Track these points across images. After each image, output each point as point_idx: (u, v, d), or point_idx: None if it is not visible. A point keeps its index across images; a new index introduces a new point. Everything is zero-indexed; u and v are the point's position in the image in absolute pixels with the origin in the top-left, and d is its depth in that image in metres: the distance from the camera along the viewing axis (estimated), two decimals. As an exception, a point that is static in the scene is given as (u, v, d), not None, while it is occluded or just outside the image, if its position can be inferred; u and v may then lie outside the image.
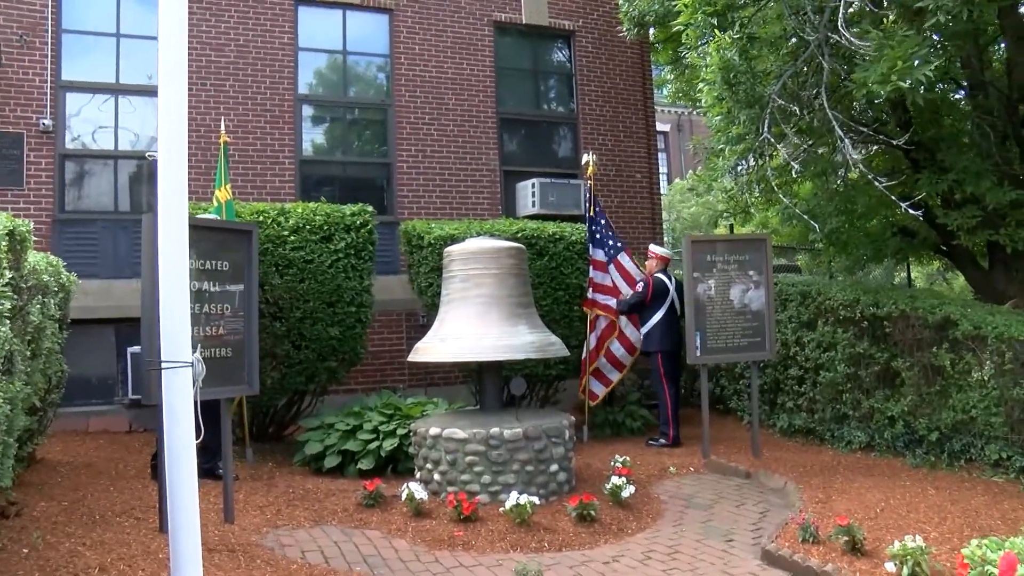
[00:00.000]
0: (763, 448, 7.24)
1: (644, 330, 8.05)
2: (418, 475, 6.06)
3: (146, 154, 9.13)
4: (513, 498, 5.27)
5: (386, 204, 10.35)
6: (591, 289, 8.26)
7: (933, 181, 7.55)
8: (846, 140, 6.26)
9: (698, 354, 7.13)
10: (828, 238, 9.36)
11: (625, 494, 5.71)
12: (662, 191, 14.69)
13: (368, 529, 5.28)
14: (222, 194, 7.04)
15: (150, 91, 9.23)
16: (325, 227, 7.45)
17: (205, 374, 3.35)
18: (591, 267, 8.28)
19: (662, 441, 7.81)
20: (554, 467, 5.91)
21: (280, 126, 9.91)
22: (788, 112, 6.93)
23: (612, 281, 8.27)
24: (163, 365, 3.10)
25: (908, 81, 5.39)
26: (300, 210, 7.49)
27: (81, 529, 4.56)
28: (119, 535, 4.52)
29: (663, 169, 24.48)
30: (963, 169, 7.44)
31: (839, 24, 5.77)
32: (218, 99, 9.61)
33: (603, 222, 8.40)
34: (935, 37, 6.70)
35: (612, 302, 8.21)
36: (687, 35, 7.57)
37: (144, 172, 9.39)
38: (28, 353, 4.49)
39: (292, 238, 7.29)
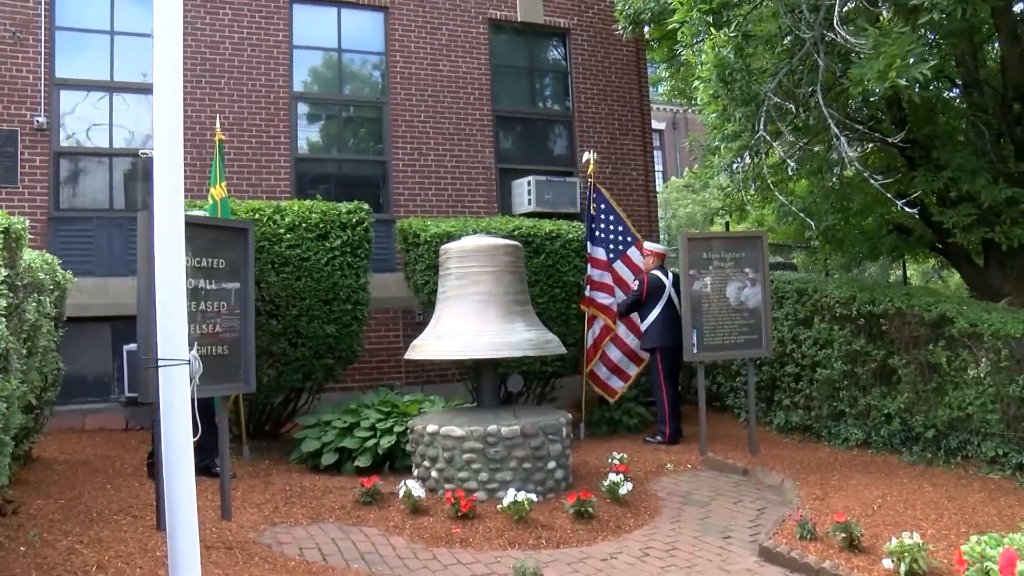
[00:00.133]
0: (760, 445, 7.25)
1: (643, 327, 8.05)
2: (415, 472, 6.06)
3: (139, 152, 9.11)
4: (511, 495, 5.27)
5: (382, 202, 10.33)
6: (589, 287, 8.26)
7: (929, 179, 7.57)
8: (842, 138, 6.26)
9: (695, 351, 7.14)
10: (824, 235, 9.39)
11: (623, 491, 5.71)
12: (658, 189, 14.68)
13: (366, 526, 5.28)
14: (217, 192, 7.01)
15: (144, 88, 9.20)
16: (321, 225, 7.44)
17: (202, 372, 3.35)
18: (589, 265, 8.28)
19: (659, 438, 7.82)
20: (551, 464, 5.91)
21: (275, 124, 9.89)
22: (784, 110, 6.94)
23: (619, 276, 8.28)
24: (160, 363, 3.09)
25: (905, 79, 5.40)
26: (296, 208, 7.48)
27: (78, 527, 4.55)
28: (116, 533, 4.51)
29: (659, 167, 24.49)
30: (958, 167, 7.46)
31: (834, 22, 5.78)
32: (213, 96, 9.58)
33: (612, 217, 8.41)
34: (930, 35, 6.72)
35: (610, 300, 8.21)
36: (682, 33, 7.58)
37: (139, 170, 9.36)
38: (24, 351, 4.47)
39: (288, 236, 7.28)
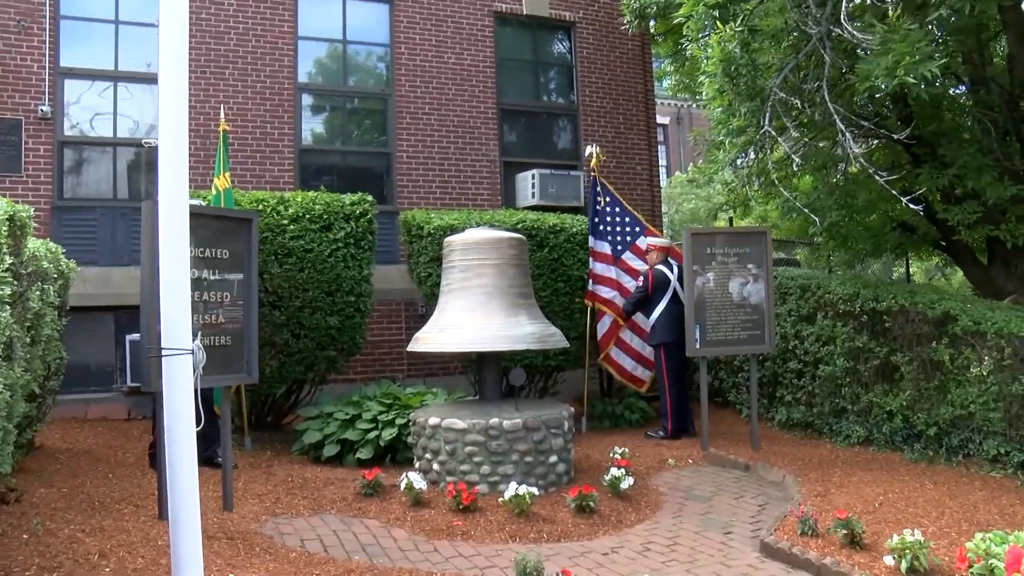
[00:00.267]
0: (762, 441, 7.25)
1: (649, 322, 8.04)
2: (417, 465, 6.06)
3: (143, 141, 9.10)
4: (512, 488, 5.28)
5: (386, 194, 10.32)
6: (591, 281, 8.26)
7: (934, 176, 7.54)
8: (847, 134, 6.24)
9: (697, 346, 7.14)
10: (828, 232, 9.36)
11: (624, 486, 5.71)
12: (661, 184, 14.65)
13: (367, 518, 5.29)
14: (221, 182, 7.01)
15: (149, 78, 9.20)
16: (325, 216, 7.44)
17: (205, 362, 3.35)
18: (592, 259, 8.28)
19: (661, 434, 7.82)
20: (553, 458, 5.91)
21: (280, 115, 9.88)
22: (789, 105, 6.92)
23: (630, 266, 8.29)
24: (163, 352, 3.09)
25: (913, 76, 5.37)
26: (300, 199, 7.47)
27: (80, 516, 4.56)
28: (118, 522, 4.52)
29: (662, 162, 24.47)
30: (964, 164, 7.43)
31: (841, 17, 5.75)
32: (217, 87, 9.57)
33: (618, 209, 8.41)
34: (937, 32, 6.69)
35: (612, 294, 8.21)
36: (688, 27, 7.54)
37: (143, 159, 9.36)
38: (28, 340, 4.48)
39: (292, 227, 7.27)
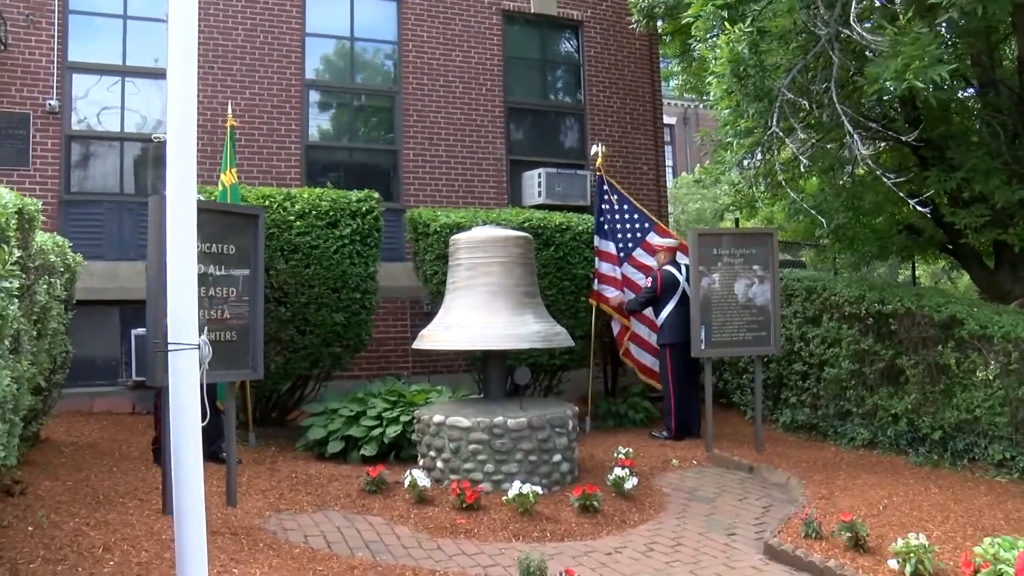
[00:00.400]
0: (766, 443, 7.24)
1: (658, 323, 8.02)
2: (421, 462, 6.06)
3: (152, 136, 9.12)
4: (516, 487, 5.28)
5: (392, 191, 10.32)
6: (597, 281, 8.26)
7: (942, 179, 7.52)
8: (855, 135, 6.22)
9: (703, 347, 7.13)
10: (834, 234, 9.34)
11: (628, 486, 5.71)
12: (667, 184, 14.63)
13: (370, 515, 5.29)
14: (227, 178, 7.00)
15: (156, 73, 9.22)
16: (331, 213, 7.44)
17: (211, 357, 3.35)
18: (597, 259, 8.27)
19: (665, 434, 7.81)
20: (557, 457, 5.91)
21: (287, 111, 9.89)
22: (797, 106, 6.90)
23: (641, 263, 8.30)
24: (170, 347, 3.09)
25: (922, 80, 5.35)
26: (306, 195, 7.47)
27: (85, 509, 4.57)
28: (123, 516, 4.53)
29: (669, 162, 24.43)
30: (972, 167, 7.41)
31: (850, 19, 5.74)
32: (225, 82, 9.58)
33: (626, 206, 8.41)
34: (946, 34, 6.66)
35: (615, 293, 8.21)
36: (697, 27, 7.53)
37: (150, 154, 9.38)
38: (34, 333, 4.48)
39: (298, 223, 7.27)
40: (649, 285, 7.96)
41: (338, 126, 10.60)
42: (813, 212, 8.25)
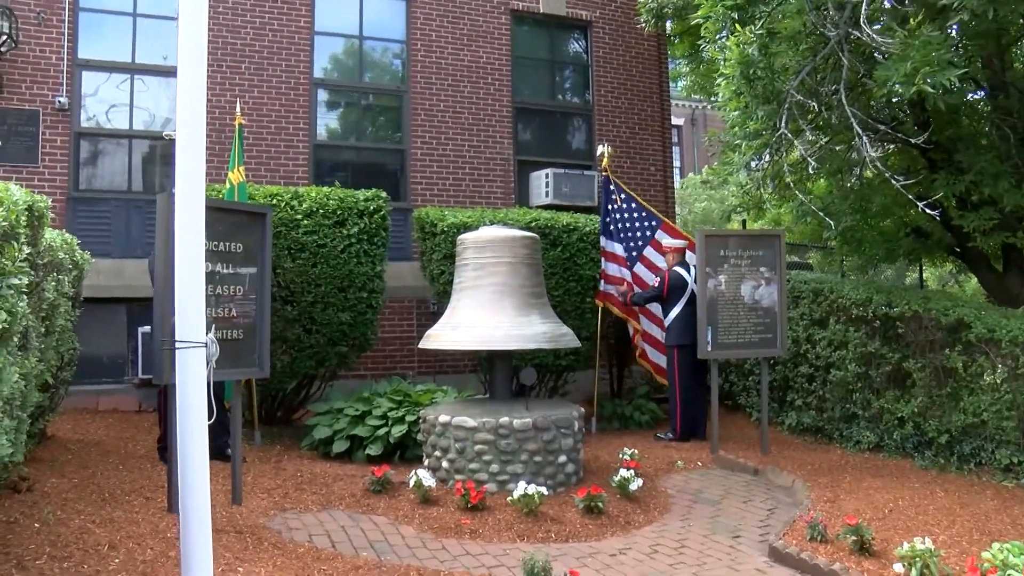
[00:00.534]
0: (771, 445, 7.22)
1: (665, 324, 8.01)
2: (426, 462, 6.06)
3: (163, 134, 9.14)
4: (521, 488, 5.27)
5: (399, 190, 10.33)
6: (603, 281, 8.25)
7: (950, 182, 7.49)
8: (864, 137, 6.20)
9: (709, 349, 7.12)
10: (842, 236, 9.32)
11: (633, 487, 5.70)
12: (675, 185, 14.61)
13: (375, 515, 5.29)
14: (235, 176, 7.02)
15: (165, 71, 9.24)
16: (338, 212, 7.45)
17: (218, 355, 3.35)
18: (604, 260, 8.26)
19: (670, 435, 7.80)
20: (563, 458, 5.90)
21: (295, 109, 9.90)
22: (806, 108, 6.88)
23: (650, 262, 8.30)
24: (177, 345, 3.10)
25: (932, 84, 5.32)
26: (314, 194, 7.48)
27: (91, 506, 4.59)
28: (128, 513, 4.54)
29: (676, 163, 24.40)
30: (981, 170, 7.38)
31: (860, 21, 5.72)
32: (233, 81, 9.60)
33: (633, 205, 8.40)
34: (956, 36, 6.63)
35: (623, 284, 8.21)
36: (706, 28, 7.51)
37: (158, 152, 9.40)
38: (42, 330, 4.50)
39: (305, 222, 7.28)
40: (656, 285, 7.94)
41: (346, 125, 10.62)
42: (821, 214, 8.23)
